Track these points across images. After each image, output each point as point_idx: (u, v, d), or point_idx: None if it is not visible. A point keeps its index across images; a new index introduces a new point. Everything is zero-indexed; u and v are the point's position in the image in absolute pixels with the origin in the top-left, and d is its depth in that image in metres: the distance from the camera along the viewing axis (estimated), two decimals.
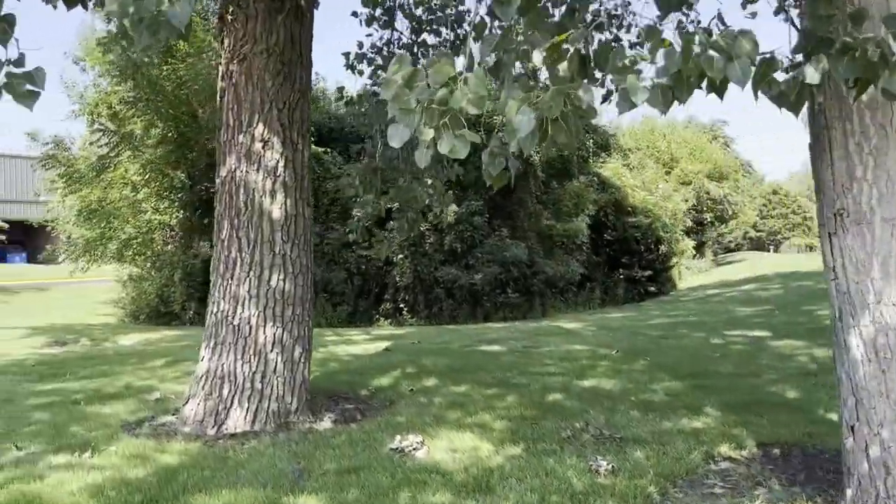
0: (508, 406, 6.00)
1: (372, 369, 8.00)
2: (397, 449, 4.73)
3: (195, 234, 15.42)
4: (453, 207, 11.96)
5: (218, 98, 5.90)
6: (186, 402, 5.57)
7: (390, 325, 15.45)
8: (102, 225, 15.08)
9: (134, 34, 2.61)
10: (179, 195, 15.48)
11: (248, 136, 5.55)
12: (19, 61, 2.74)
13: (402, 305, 15.98)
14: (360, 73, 7.10)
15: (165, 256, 15.20)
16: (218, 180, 5.78)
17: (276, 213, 5.55)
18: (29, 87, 2.75)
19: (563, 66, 2.82)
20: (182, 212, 15.54)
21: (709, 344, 9.82)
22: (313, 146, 16.83)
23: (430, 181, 6.92)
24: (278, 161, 5.57)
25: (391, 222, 9.73)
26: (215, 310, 5.54)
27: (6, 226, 50.74)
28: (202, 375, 5.49)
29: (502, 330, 12.86)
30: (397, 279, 15.84)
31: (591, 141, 21.93)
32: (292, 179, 5.63)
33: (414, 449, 4.72)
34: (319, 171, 15.83)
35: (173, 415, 5.82)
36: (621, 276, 20.42)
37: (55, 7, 3.51)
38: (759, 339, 10.04)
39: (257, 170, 5.54)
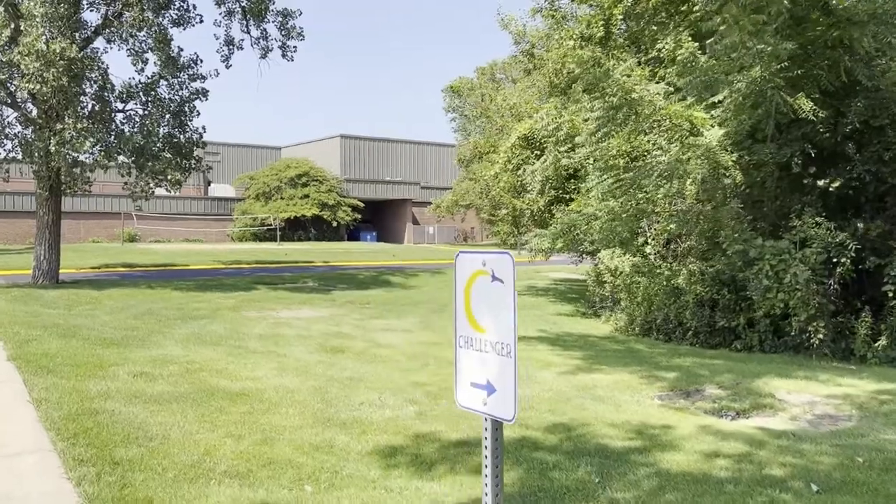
0: None
1: None
2: None
3: (792, 205, 9.50)
4: None
5: None
6: None
7: None
8: (629, 190, 9.72)
9: None
10: (778, 138, 9.38)
11: None
12: None
13: None
14: None
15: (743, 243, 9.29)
16: None
17: None
18: None
19: None
20: (771, 169, 9.64)
21: None
22: None
23: None
24: None
25: None
26: None
27: (361, 205, 51.67)
28: None
29: None
30: None
31: None
32: None
33: None
34: None
35: None
36: None
37: None
38: None
39: None
